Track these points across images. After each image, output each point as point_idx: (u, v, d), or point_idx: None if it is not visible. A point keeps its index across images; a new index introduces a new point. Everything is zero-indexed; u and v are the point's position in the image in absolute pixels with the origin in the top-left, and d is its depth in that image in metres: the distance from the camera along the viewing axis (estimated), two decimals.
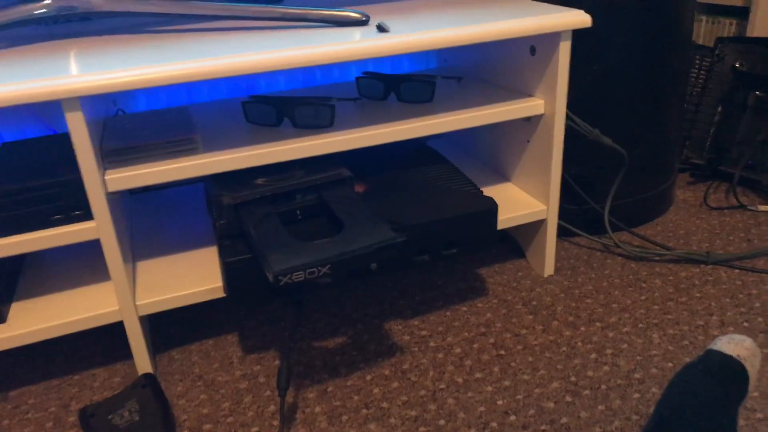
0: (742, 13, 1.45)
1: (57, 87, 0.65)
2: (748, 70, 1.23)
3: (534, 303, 0.95)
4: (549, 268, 1.02)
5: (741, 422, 0.72)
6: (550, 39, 0.88)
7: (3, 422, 0.78)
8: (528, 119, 0.97)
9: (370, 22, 0.86)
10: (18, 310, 0.80)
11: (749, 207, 1.20)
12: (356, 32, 0.80)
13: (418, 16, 0.90)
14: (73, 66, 0.71)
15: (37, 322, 0.77)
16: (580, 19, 0.85)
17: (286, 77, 1.18)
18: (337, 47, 0.74)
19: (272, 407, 0.78)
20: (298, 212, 0.82)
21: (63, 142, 0.86)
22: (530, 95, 0.94)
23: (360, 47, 0.75)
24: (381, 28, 0.80)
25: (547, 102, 0.91)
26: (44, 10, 0.82)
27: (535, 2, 0.96)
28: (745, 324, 0.88)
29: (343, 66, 1.20)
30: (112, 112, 1.04)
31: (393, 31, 0.79)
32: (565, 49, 0.87)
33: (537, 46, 0.90)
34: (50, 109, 1.04)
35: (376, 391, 0.80)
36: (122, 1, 0.83)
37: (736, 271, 1.00)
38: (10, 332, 0.76)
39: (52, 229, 0.74)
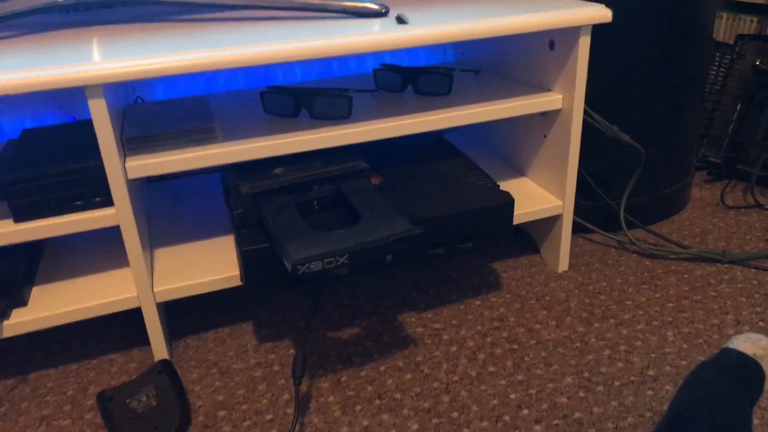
0: (763, 11, 1.43)
1: (81, 74, 0.66)
2: None
3: (548, 298, 0.95)
4: (563, 264, 1.02)
5: (756, 421, 0.72)
6: (569, 33, 0.87)
7: (22, 405, 0.79)
8: (545, 114, 0.96)
9: (389, 14, 0.86)
10: (38, 294, 0.81)
11: (766, 206, 1.19)
12: (375, 23, 0.80)
13: (438, 8, 0.90)
14: (96, 53, 0.71)
15: (57, 307, 0.78)
16: (601, 13, 0.84)
17: (303, 68, 1.18)
18: (357, 38, 0.74)
19: (286, 396, 0.79)
20: (315, 203, 0.82)
21: (83, 129, 0.87)
22: (548, 90, 0.94)
23: (379, 39, 0.75)
24: (400, 20, 0.80)
25: (566, 97, 0.91)
26: None
27: None
28: (761, 323, 0.88)
29: (360, 58, 1.20)
30: (131, 100, 1.05)
31: (412, 23, 0.79)
32: (584, 44, 0.86)
33: (556, 40, 0.90)
34: (71, 96, 1.05)
35: (389, 382, 0.81)
36: None
37: (753, 270, 1.00)
38: (31, 316, 0.77)
39: (72, 214, 0.74)
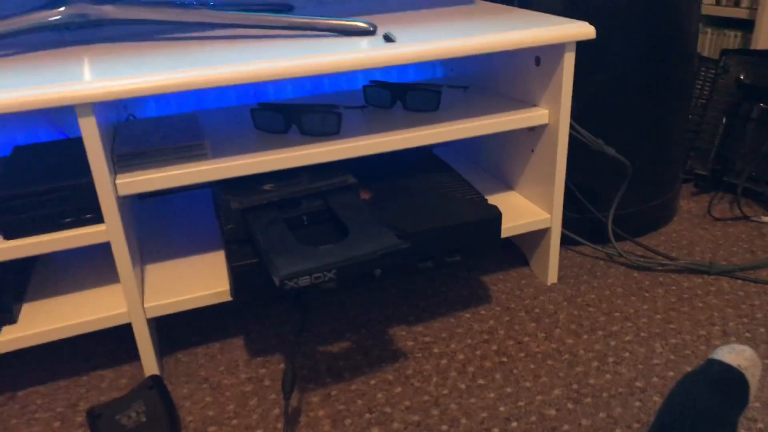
0: (747, 26, 1.46)
1: (71, 93, 0.66)
2: (753, 83, 1.24)
3: (537, 311, 0.96)
4: (552, 277, 1.03)
5: (741, 431, 0.72)
6: (554, 50, 0.89)
7: (11, 422, 0.79)
8: (532, 129, 0.98)
9: (377, 32, 0.88)
10: (28, 311, 0.81)
11: (753, 218, 1.20)
12: (363, 42, 0.82)
13: (425, 26, 0.92)
14: (87, 72, 0.72)
15: (47, 324, 0.78)
16: (585, 30, 0.86)
17: (294, 84, 1.19)
18: (344, 56, 0.76)
19: (277, 410, 0.79)
20: (304, 218, 0.83)
21: (75, 146, 0.88)
22: (535, 105, 0.95)
23: (367, 57, 0.76)
24: (388, 38, 0.82)
25: (552, 112, 0.92)
26: (58, 17, 0.84)
27: (540, 13, 0.97)
28: (747, 334, 0.88)
29: (350, 74, 1.22)
30: (123, 117, 1.06)
31: (399, 41, 0.80)
32: (569, 60, 0.88)
33: (542, 56, 0.92)
34: (63, 114, 1.06)
35: (379, 395, 0.81)
36: (133, 9, 0.85)
37: (739, 281, 1.01)
38: (21, 333, 0.77)
39: (63, 231, 0.75)
